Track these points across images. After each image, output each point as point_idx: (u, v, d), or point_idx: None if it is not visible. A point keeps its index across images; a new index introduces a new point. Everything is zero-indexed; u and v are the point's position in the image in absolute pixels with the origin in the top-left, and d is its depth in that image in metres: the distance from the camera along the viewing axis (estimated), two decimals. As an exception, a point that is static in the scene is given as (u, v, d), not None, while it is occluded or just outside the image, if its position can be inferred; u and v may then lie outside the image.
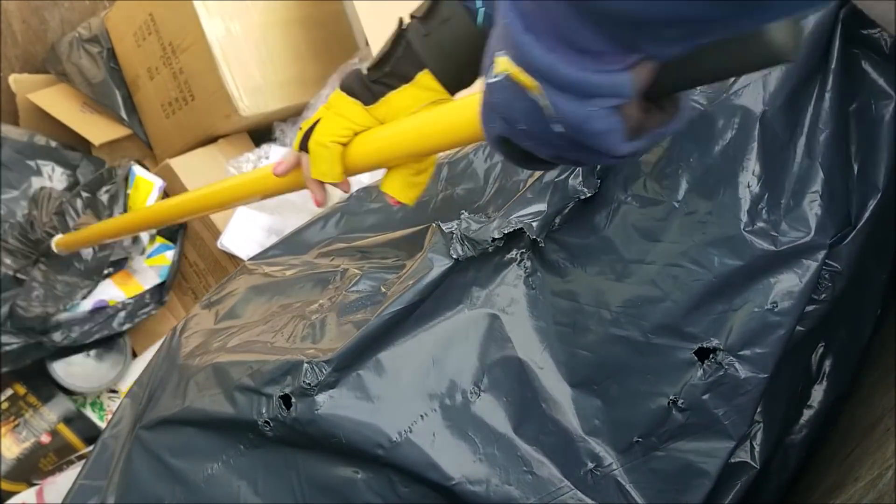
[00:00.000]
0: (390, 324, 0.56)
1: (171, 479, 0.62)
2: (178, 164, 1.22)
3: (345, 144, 0.58)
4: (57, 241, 1.11)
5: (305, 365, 0.56)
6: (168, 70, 1.26)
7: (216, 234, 1.16)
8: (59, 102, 1.38)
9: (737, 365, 0.52)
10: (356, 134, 0.58)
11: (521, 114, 0.35)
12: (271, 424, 0.58)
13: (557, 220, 0.58)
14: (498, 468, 0.54)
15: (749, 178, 0.53)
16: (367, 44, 1.11)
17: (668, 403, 0.53)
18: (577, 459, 0.54)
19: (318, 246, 0.78)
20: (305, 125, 0.60)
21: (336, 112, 0.58)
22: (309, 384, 0.56)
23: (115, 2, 1.41)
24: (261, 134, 1.30)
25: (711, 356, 0.53)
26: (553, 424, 0.55)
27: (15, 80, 1.42)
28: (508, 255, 0.59)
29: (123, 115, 1.39)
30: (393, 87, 0.56)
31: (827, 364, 0.60)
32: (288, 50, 1.24)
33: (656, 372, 0.53)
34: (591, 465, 0.54)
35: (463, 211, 0.60)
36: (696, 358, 0.53)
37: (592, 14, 0.29)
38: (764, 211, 0.53)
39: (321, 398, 0.56)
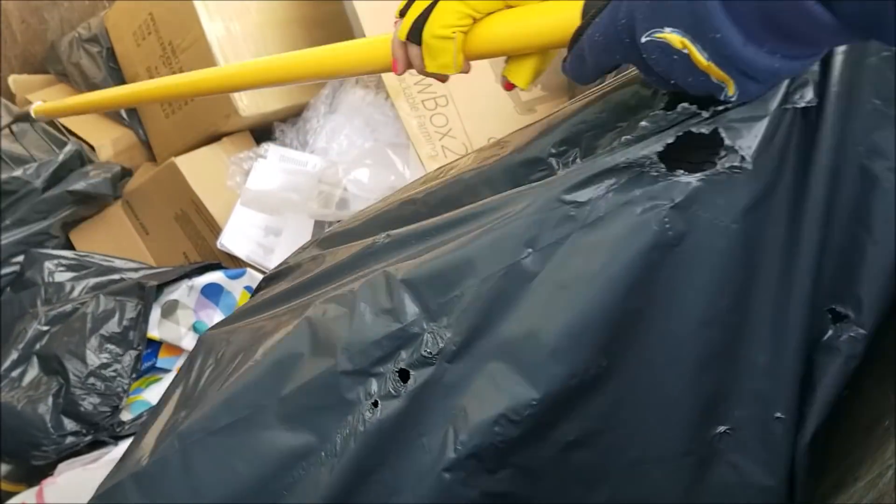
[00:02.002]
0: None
1: (246, 486, 0.57)
2: (183, 162, 1.22)
3: (466, 32, 0.55)
4: (36, 109, 1.10)
5: (427, 335, 0.53)
6: (168, 69, 1.26)
7: (217, 232, 1.16)
8: (58, 102, 1.38)
9: (857, 336, 0.51)
10: (475, 21, 0.55)
11: (683, 77, 0.38)
12: (379, 405, 0.53)
13: None
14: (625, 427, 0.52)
15: None
16: (366, 43, 1.11)
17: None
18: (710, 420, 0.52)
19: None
20: (413, 12, 0.56)
21: None
22: (430, 353, 0.53)
23: (114, 1, 1.41)
24: (264, 134, 1.30)
25: (842, 319, 0.51)
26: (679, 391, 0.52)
27: (14, 81, 1.43)
28: None
29: (123, 115, 1.39)
30: None
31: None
32: (288, 50, 1.24)
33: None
34: (721, 428, 0.52)
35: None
36: (830, 318, 0.51)
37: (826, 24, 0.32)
38: None
39: (442, 367, 0.52)
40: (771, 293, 0.51)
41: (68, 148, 1.27)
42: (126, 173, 1.35)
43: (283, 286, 0.69)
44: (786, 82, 0.45)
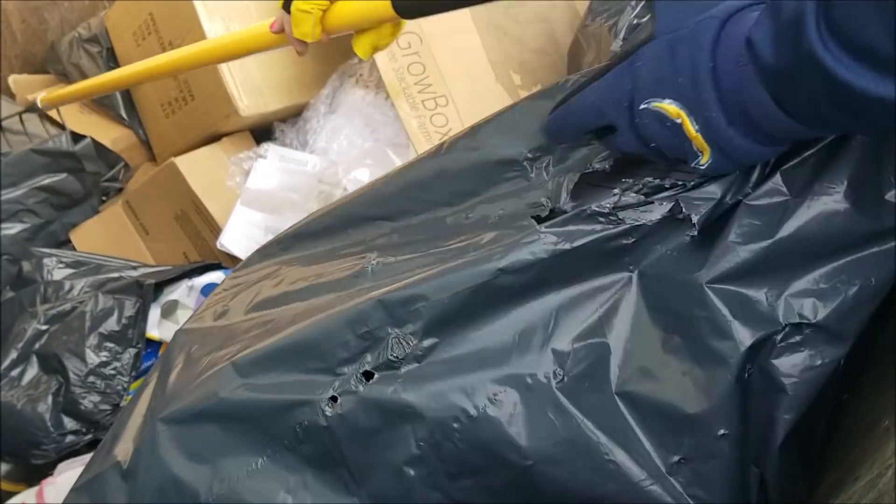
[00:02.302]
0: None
1: (207, 476, 0.59)
2: (183, 162, 1.22)
3: (325, 10, 0.73)
4: (43, 98, 1.10)
5: (392, 339, 0.55)
6: (168, 70, 1.26)
7: (217, 232, 1.16)
8: (58, 102, 1.38)
9: (817, 335, 0.51)
10: (331, 3, 0.72)
11: (666, 142, 0.46)
12: (338, 401, 0.56)
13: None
14: (578, 454, 0.52)
15: None
16: (366, 43, 1.11)
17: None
18: (664, 451, 0.52)
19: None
20: None
21: None
22: (396, 357, 0.55)
23: (114, 1, 1.41)
24: (264, 134, 1.30)
25: (793, 323, 0.51)
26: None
27: (14, 81, 1.43)
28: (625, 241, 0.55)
29: (123, 114, 1.39)
30: None
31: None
32: (287, 50, 1.24)
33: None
34: (675, 457, 0.52)
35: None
36: (779, 325, 0.51)
37: (810, 119, 0.39)
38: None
39: (405, 369, 0.55)
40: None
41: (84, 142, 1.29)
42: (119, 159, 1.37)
43: (255, 291, 0.73)
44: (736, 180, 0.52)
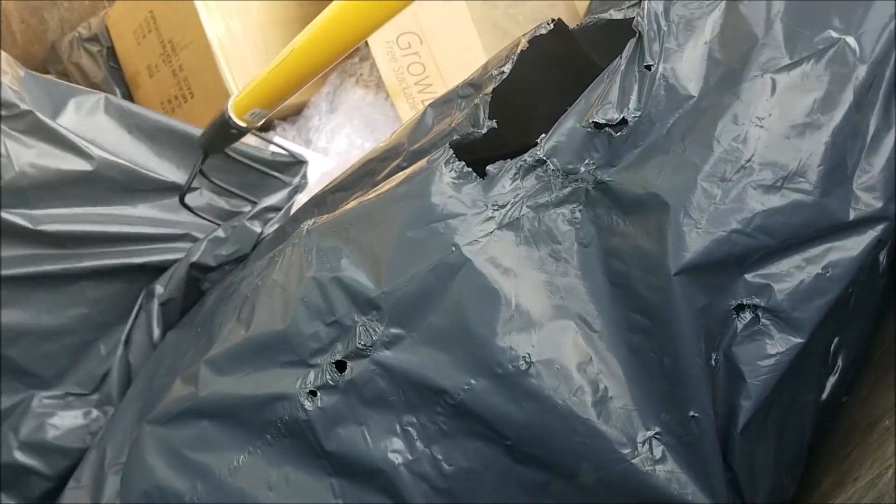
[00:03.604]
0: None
1: (191, 475, 0.60)
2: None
3: None
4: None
5: (359, 328, 0.55)
6: (168, 68, 1.26)
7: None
8: (58, 101, 1.38)
9: (774, 324, 0.51)
10: None
11: None
12: (318, 394, 0.55)
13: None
14: (555, 434, 0.52)
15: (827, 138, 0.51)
16: (366, 44, 1.11)
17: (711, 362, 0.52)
18: (632, 430, 0.52)
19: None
20: None
21: None
22: (364, 345, 0.55)
23: (114, 1, 1.41)
24: (264, 132, 1.30)
25: (750, 311, 0.51)
26: (611, 392, 0.52)
27: (15, 79, 1.42)
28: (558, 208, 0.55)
29: (123, 113, 1.39)
30: None
31: (841, 356, 0.59)
32: (288, 49, 1.25)
33: (704, 336, 0.51)
34: (647, 433, 0.52)
35: None
36: (734, 314, 0.52)
37: None
38: (838, 175, 0.52)
39: (379, 356, 0.55)
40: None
41: None
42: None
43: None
44: None
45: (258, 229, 0.91)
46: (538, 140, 0.56)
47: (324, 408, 0.56)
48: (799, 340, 0.51)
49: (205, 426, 0.60)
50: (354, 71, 1.24)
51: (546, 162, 0.55)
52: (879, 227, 0.52)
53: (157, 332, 0.87)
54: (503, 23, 1.16)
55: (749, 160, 0.50)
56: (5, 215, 0.79)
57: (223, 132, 0.80)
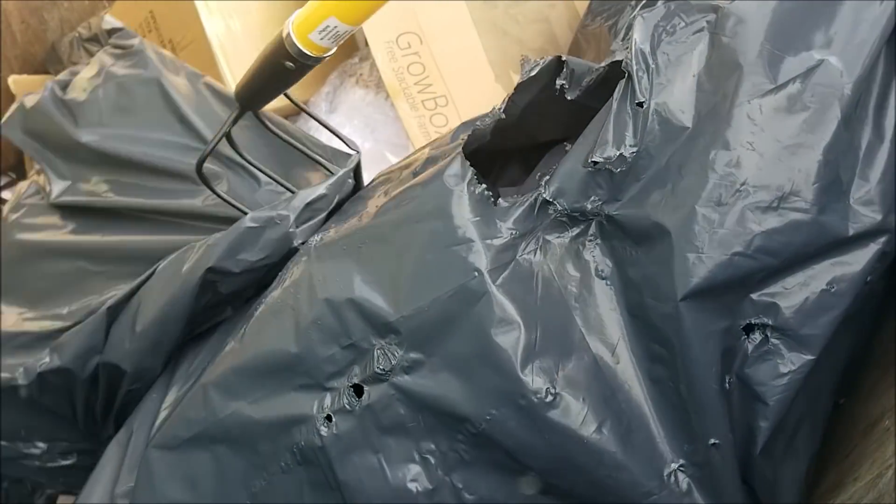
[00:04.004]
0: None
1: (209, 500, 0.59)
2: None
3: None
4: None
5: (377, 351, 0.55)
6: (167, 69, 1.25)
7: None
8: (58, 101, 1.38)
9: (784, 343, 0.52)
10: None
11: None
12: (334, 419, 0.55)
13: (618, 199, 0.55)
14: (580, 467, 0.52)
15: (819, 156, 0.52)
16: (366, 44, 1.11)
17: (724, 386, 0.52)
18: (658, 463, 0.52)
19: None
20: None
21: None
22: (383, 369, 0.54)
23: (114, 1, 1.41)
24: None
25: (759, 331, 0.52)
26: (636, 424, 0.53)
27: (14, 82, 1.42)
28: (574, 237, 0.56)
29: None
30: None
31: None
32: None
33: (717, 360, 0.52)
34: (673, 465, 0.52)
35: None
36: (744, 334, 0.52)
37: None
38: (835, 191, 0.52)
39: (398, 380, 0.54)
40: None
41: None
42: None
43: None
44: None
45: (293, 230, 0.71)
46: (542, 180, 0.57)
47: (339, 434, 0.55)
48: (810, 357, 0.52)
49: (219, 452, 0.59)
50: (354, 71, 1.24)
51: (553, 202, 0.56)
52: (881, 240, 0.52)
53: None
54: (503, 23, 1.16)
55: (743, 183, 0.51)
56: None
57: (275, 70, 0.59)
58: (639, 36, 0.56)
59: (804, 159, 0.51)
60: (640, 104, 0.55)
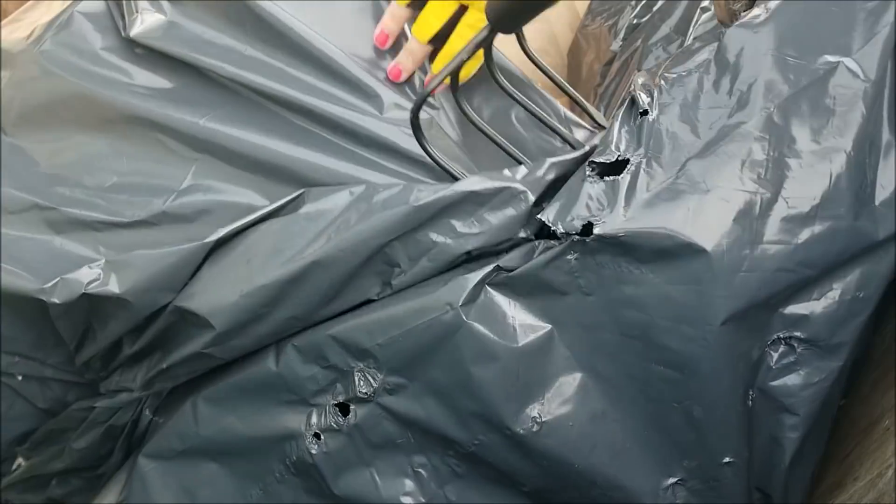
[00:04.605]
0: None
1: None
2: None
3: None
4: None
5: (356, 374, 0.53)
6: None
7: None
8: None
9: (813, 353, 0.51)
10: None
11: None
12: (322, 437, 0.54)
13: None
14: (573, 487, 0.52)
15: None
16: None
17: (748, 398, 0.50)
18: (654, 479, 0.51)
19: None
20: None
21: None
22: (365, 393, 0.53)
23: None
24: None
25: (784, 343, 0.51)
26: (629, 444, 0.51)
27: (15, 81, 1.42)
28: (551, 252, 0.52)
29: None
30: None
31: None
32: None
33: (742, 380, 0.50)
34: (670, 479, 0.51)
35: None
36: (768, 347, 0.51)
37: None
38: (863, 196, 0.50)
39: (384, 401, 0.53)
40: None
41: None
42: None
43: None
44: None
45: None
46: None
47: (329, 452, 0.54)
48: (837, 364, 0.51)
49: (212, 468, 0.59)
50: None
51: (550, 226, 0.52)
52: None
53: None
54: (503, 23, 1.16)
55: (777, 194, 0.49)
56: None
57: None
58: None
59: (835, 163, 0.49)
60: (645, 112, 0.52)
